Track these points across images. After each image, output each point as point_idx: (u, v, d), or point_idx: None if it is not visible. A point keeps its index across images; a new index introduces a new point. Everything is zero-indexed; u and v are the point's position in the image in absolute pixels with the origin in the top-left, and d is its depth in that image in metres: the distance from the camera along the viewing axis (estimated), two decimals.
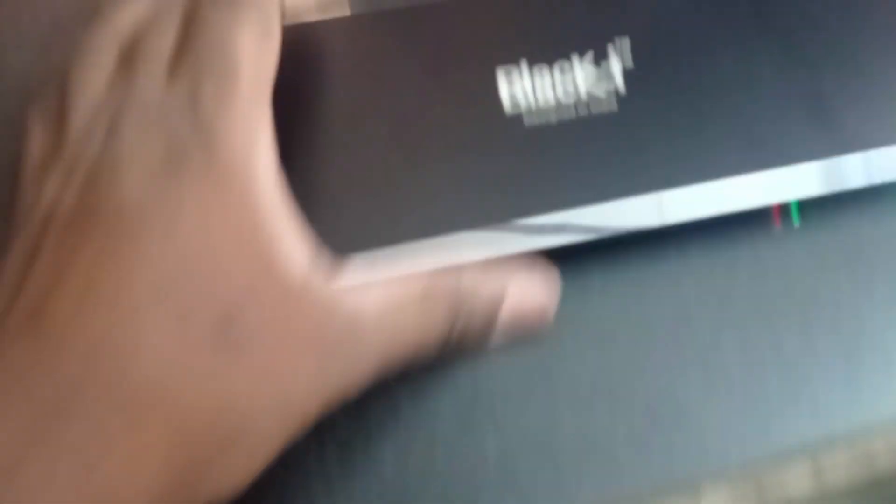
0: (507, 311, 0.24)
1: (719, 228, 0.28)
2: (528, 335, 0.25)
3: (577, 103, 0.27)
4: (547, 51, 0.27)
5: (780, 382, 0.27)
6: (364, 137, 0.26)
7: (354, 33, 0.28)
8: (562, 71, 0.27)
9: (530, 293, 0.25)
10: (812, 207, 0.28)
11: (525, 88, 0.27)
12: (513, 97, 0.27)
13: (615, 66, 0.28)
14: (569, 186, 0.26)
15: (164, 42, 0.22)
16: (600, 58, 0.28)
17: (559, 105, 0.27)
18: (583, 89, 0.27)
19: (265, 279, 0.21)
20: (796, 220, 0.28)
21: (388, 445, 0.27)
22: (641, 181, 0.26)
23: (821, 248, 0.29)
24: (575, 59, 0.28)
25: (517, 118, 0.27)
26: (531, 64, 0.27)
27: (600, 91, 0.27)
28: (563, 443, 0.27)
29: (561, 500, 0.26)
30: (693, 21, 0.29)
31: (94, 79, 0.22)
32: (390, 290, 0.22)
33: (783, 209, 0.28)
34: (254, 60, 0.22)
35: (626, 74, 0.28)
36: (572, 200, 0.25)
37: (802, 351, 0.27)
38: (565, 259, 0.28)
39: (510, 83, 0.27)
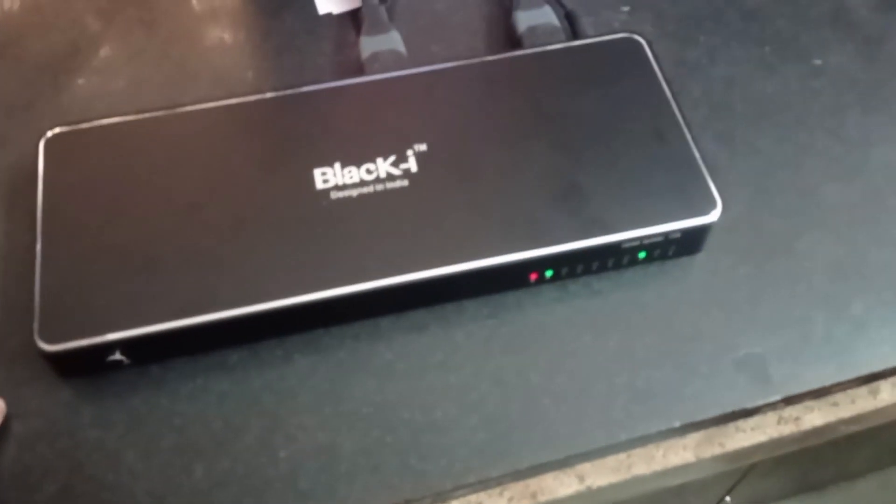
0: None
1: (489, 280, 0.34)
2: None
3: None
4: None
5: (523, 408, 0.33)
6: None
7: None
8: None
9: None
10: (564, 268, 0.35)
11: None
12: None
13: (412, 166, 0.34)
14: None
15: None
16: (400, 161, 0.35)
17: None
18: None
19: None
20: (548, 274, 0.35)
21: (200, 459, 0.32)
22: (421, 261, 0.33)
23: (570, 303, 0.35)
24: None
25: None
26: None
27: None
28: (341, 453, 0.32)
29: (333, 501, 0.31)
30: (481, 132, 0.36)
31: None
32: None
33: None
34: None
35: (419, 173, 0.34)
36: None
37: (543, 385, 0.33)
38: (362, 308, 0.34)
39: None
